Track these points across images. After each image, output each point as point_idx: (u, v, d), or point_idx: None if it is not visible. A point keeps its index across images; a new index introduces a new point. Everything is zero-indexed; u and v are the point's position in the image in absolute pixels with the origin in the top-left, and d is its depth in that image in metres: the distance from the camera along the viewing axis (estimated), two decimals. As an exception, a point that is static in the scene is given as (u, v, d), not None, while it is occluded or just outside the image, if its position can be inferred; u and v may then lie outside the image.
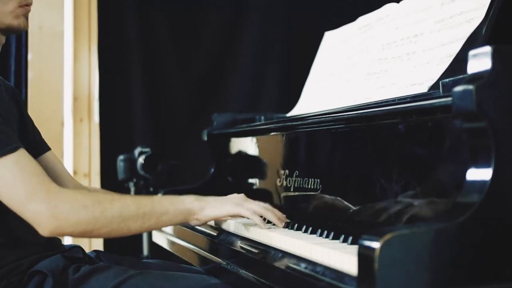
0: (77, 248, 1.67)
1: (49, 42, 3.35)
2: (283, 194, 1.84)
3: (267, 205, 1.59)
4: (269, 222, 1.62)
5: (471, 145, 1.10)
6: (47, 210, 1.33)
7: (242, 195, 1.60)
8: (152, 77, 3.51)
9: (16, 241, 1.52)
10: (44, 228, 1.35)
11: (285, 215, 1.61)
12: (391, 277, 0.97)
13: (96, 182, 3.44)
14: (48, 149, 1.78)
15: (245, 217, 1.57)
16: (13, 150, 1.36)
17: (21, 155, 1.38)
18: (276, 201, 1.87)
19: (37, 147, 1.73)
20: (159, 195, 1.73)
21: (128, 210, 1.41)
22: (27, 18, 1.58)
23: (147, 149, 3.06)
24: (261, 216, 1.56)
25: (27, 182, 1.34)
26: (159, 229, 1.53)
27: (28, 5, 1.57)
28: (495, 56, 1.06)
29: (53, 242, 1.63)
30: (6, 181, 1.34)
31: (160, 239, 2.26)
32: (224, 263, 1.59)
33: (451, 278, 1.01)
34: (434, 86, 1.48)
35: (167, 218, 1.47)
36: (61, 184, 1.65)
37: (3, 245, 1.50)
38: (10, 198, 1.35)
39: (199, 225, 1.69)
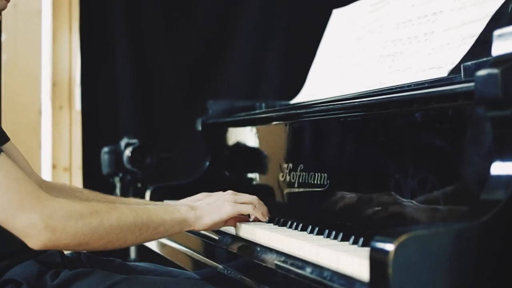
0: (53, 251, 1.66)
1: (25, 21, 3.34)
2: (286, 191, 1.84)
3: (254, 197, 1.63)
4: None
5: (496, 135, 1.10)
6: (41, 221, 1.31)
7: (229, 192, 1.62)
8: (140, 60, 3.50)
9: None
10: (37, 241, 1.33)
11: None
12: (407, 283, 0.97)
13: (77, 177, 3.44)
14: (7, 139, 1.73)
15: (245, 214, 1.60)
16: None
17: (4, 160, 1.34)
18: (279, 198, 1.88)
19: None
20: (151, 204, 1.75)
21: (126, 220, 1.42)
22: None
23: (134, 140, 3.06)
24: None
25: (15, 190, 1.31)
26: (152, 240, 1.57)
27: (8, 0, 1.57)
28: (523, 37, 1.06)
29: (23, 245, 1.62)
30: None
31: (150, 240, 2.26)
32: (221, 267, 1.60)
33: (473, 284, 1.01)
34: (455, 70, 1.48)
35: (164, 229, 1.49)
36: None
37: None
38: None
39: None
